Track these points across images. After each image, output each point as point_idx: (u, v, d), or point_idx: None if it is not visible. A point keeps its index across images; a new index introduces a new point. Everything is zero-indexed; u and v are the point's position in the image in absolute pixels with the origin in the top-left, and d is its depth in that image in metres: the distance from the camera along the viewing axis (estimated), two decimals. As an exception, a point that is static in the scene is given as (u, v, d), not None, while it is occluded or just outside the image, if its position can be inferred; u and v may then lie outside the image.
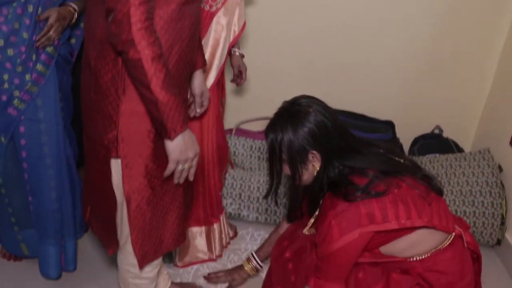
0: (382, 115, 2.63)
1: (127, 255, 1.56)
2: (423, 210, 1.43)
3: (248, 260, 1.98)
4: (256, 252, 1.96)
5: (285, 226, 1.87)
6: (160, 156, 1.40)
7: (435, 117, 2.71)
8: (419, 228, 1.45)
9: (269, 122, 1.54)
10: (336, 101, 2.61)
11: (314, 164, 1.49)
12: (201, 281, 2.09)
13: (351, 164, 1.47)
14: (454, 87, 2.62)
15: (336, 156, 1.46)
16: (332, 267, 1.46)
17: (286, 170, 1.55)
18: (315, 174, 1.50)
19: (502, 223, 2.27)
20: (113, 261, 2.10)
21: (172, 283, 1.98)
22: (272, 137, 1.50)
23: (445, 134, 2.69)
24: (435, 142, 2.62)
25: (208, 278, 2.03)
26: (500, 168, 2.34)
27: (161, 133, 1.31)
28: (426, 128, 2.71)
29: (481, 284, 1.69)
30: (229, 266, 2.14)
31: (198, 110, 1.69)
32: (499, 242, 2.32)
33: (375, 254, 1.52)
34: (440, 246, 1.50)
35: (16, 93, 1.67)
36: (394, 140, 2.54)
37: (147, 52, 1.19)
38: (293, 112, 1.48)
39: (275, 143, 1.50)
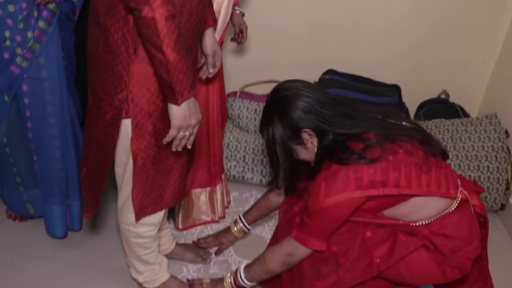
0: (388, 79, 2.60)
1: (127, 214, 1.57)
2: (417, 178, 1.43)
3: (235, 222, 1.99)
4: (243, 215, 1.97)
5: (276, 194, 1.87)
6: (168, 116, 1.39)
7: (442, 82, 2.68)
8: (416, 195, 1.46)
9: (260, 121, 1.57)
10: (343, 65, 2.60)
11: (312, 141, 1.50)
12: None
13: (344, 131, 1.46)
14: (463, 50, 2.57)
15: (328, 127, 1.46)
16: (317, 224, 1.48)
17: (298, 155, 1.56)
18: (315, 150, 1.51)
19: (507, 188, 2.27)
20: (117, 223, 2.11)
21: (176, 244, 2.00)
22: (265, 133, 1.53)
23: (451, 99, 2.66)
24: (442, 107, 2.59)
25: (197, 243, 2.04)
26: (506, 133, 2.32)
27: (167, 97, 1.28)
28: (432, 93, 2.68)
29: (487, 249, 1.70)
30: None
31: (211, 71, 1.66)
32: (503, 207, 2.32)
33: (378, 217, 1.53)
34: (446, 211, 1.50)
35: (18, 50, 1.64)
36: (400, 104, 2.51)
37: (161, 11, 1.15)
38: (275, 102, 1.50)
39: (268, 137, 1.52)
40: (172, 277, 1.82)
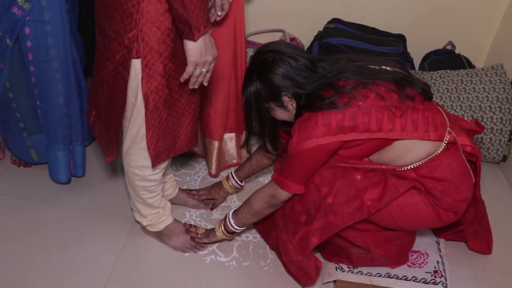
0: (394, 29, 2.56)
1: (133, 157, 1.57)
2: (388, 122, 1.43)
3: (227, 178, 2.00)
4: (235, 172, 1.99)
5: (262, 154, 1.89)
6: (179, 56, 1.38)
7: (448, 33, 2.64)
8: (394, 139, 1.46)
9: (243, 82, 1.60)
10: (348, 14, 2.55)
11: (292, 104, 1.53)
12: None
13: (314, 88, 1.49)
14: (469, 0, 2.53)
15: (301, 91, 1.49)
16: (292, 168, 1.52)
17: (278, 115, 1.60)
18: (294, 112, 1.54)
19: (510, 140, 2.27)
20: (121, 167, 2.13)
21: (180, 189, 2.02)
22: (245, 93, 1.57)
23: (457, 51, 2.62)
24: (447, 58, 2.56)
25: (189, 193, 2.05)
26: (512, 84, 2.31)
27: (183, 33, 1.28)
28: (438, 44, 2.65)
29: (480, 189, 1.70)
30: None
31: (219, 13, 1.64)
32: (504, 158, 2.33)
33: (364, 162, 1.54)
34: (434, 154, 1.49)
35: None
36: (405, 54, 2.48)
37: None
38: (256, 64, 1.54)
39: (247, 97, 1.56)
40: (175, 221, 1.85)
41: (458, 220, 1.63)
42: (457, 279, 1.76)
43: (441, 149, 1.49)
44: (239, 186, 1.99)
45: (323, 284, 1.72)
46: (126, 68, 1.37)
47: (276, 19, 2.65)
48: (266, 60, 1.50)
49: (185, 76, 1.36)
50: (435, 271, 1.73)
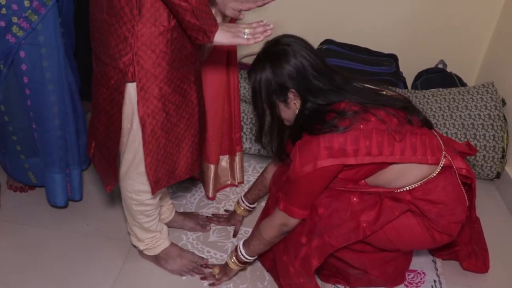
0: (386, 49, 2.59)
1: (130, 182, 1.58)
2: (390, 146, 1.44)
3: (238, 203, 2.01)
4: (244, 195, 2.00)
5: (270, 170, 1.88)
6: (175, 80, 1.40)
7: (439, 52, 2.68)
8: (393, 162, 1.47)
9: (252, 64, 1.55)
10: (340, 34, 2.59)
11: (295, 103, 1.50)
12: (204, 211, 2.13)
13: (323, 101, 1.47)
14: (460, 20, 2.57)
15: (312, 95, 1.47)
16: (296, 194, 1.52)
17: (280, 112, 1.56)
18: (296, 112, 1.52)
19: (503, 157, 2.29)
20: (118, 192, 2.13)
21: (176, 212, 2.02)
22: (253, 78, 1.51)
23: (449, 69, 2.66)
24: (439, 77, 2.59)
25: (209, 219, 2.07)
26: (503, 102, 2.33)
27: (197, 39, 1.33)
28: (430, 63, 2.69)
29: (476, 210, 1.73)
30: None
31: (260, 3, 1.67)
32: (498, 175, 2.34)
33: (360, 186, 1.55)
34: (429, 177, 1.51)
35: (15, 19, 1.63)
36: (397, 74, 2.51)
37: None
38: (272, 52, 1.48)
39: (256, 83, 1.50)
40: (172, 244, 1.84)
41: (454, 240, 1.64)
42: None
43: (437, 172, 1.51)
44: (251, 209, 2.00)
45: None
46: (121, 93, 1.38)
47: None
48: (284, 51, 1.45)
49: (250, 37, 1.38)
50: (432, 290, 1.74)
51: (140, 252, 1.86)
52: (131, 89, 1.38)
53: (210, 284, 1.77)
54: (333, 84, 1.48)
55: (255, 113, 1.60)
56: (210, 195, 2.19)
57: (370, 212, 1.51)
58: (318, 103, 1.47)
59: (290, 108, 1.52)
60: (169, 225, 1.96)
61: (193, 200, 2.20)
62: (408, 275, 1.80)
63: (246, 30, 1.39)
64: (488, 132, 2.26)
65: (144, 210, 1.67)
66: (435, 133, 1.58)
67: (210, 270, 1.81)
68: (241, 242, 1.70)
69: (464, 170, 1.56)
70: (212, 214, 2.11)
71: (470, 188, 1.62)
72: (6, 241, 1.93)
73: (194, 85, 1.46)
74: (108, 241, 1.95)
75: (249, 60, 2.66)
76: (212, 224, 2.05)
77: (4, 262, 1.83)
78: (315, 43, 2.57)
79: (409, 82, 2.68)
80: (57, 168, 1.93)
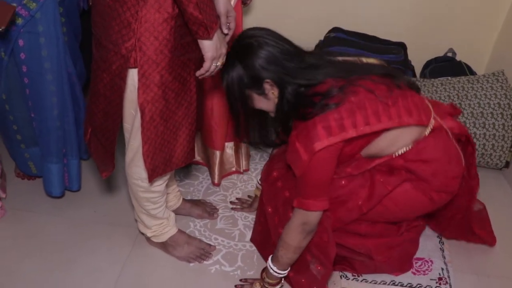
0: (394, 37, 2.57)
1: (136, 169, 1.58)
2: (384, 112, 1.43)
3: (257, 188, 2.02)
4: (260, 179, 1.98)
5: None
6: (176, 68, 1.39)
7: (448, 40, 2.65)
8: (389, 129, 1.46)
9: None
10: (348, 22, 2.56)
11: (273, 92, 1.49)
12: (211, 199, 2.14)
13: (305, 82, 1.46)
14: (470, 7, 2.54)
15: (290, 78, 1.46)
16: (309, 185, 1.48)
17: (257, 105, 1.56)
18: (276, 101, 1.51)
19: (512, 146, 2.27)
20: (124, 180, 2.14)
21: (184, 200, 2.02)
22: (225, 78, 1.51)
23: (458, 58, 2.63)
24: (448, 66, 2.57)
25: (233, 203, 2.11)
26: (513, 90, 2.31)
27: (197, 34, 1.31)
28: (439, 51, 2.66)
29: (476, 166, 1.73)
30: (255, 180, 2.27)
31: (225, 32, 1.65)
32: (507, 164, 2.33)
33: (357, 161, 1.54)
34: (420, 137, 1.51)
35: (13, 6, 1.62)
36: (406, 62, 2.49)
37: None
38: (239, 48, 1.48)
39: (228, 82, 1.50)
40: (180, 231, 1.85)
41: (455, 207, 1.66)
42: (462, 285, 1.75)
43: (427, 133, 1.51)
44: None
45: (328, 292, 1.72)
46: (123, 78, 1.38)
47: (276, 28, 2.65)
48: (250, 44, 1.45)
49: (202, 71, 1.38)
50: (440, 278, 1.73)
51: (148, 239, 1.86)
52: (134, 75, 1.38)
53: None
54: (307, 62, 1.48)
55: (231, 111, 1.60)
56: (216, 181, 2.19)
57: (362, 190, 1.52)
58: (299, 83, 1.46)
59: (270, 99, 1.52)
60: (177, 212, 1.96)
61: (201, 188, 2.20)
62: (416, 262, 1.79)
63: (219, 63, 1.40)
64: (498, 121, 2.24)
65: (150, 197, 1.67)
66: (423, 96, 1.59)
67: (247, 284, 1.73)
68: (269, 259, 1.63)
69: (455, 129, 1.56)
70: (236, 199, 2.13)
71: (466, 144, 1.65)
72: (14, 228, 1.94)
73: (194, 73, 1.45)
74: (115, 228, 1.96)
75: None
76: (219, 212, 2.05)
77: (12, 249, 1.84)
78: (323, 31, 2.57)
79: (417, 71, 2.65)
80: (55, 158, 1.92)
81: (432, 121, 1.52)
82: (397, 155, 1.51)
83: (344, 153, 1.49)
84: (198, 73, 1.40)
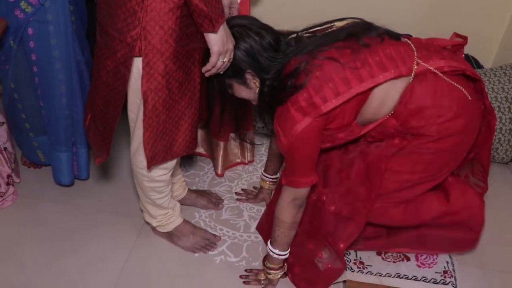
0: (400, 29, 2.55)
1: (141, 158, 1.58)
2: (354, 77, 1.41)
3: (262, 180, 2.04)
4: (264, 171, 2.03)
5: (274, 141, 1.89)
6: (180, 58, 1.39)
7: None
8: (371, 89, 1.44)
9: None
10: (354, 13, 2.54)
11: (255, 82, 1.51)
12: (217, 189, 2.14)
13: (275, 73, 1.47)
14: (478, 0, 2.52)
15: (265, 72, 1.48)
16: (294, 164, 1.51)
17: (239, 93, 1.57)
18: (257, 91, 1.53)
19: (519, 140, 2.26)
20: (127, 171, 2.14)
21: (189, 190, 2.02)
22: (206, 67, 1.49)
23: (465, 51, 2.61)
24: (455, 59, 2.55)
25: (238, 194, 2.12)
26: (521, 84, 2.30)
27: (202, 27, 1.31)
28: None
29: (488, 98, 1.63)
30: (259, 171, 2.25)
31: None
32: (513, 158, 2.32)
33: (353, 129, 1.54)
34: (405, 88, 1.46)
35: None
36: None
37: None
38: None
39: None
40: (185, 221, 1.85)
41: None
42: (466, 279, 1.75)
43: (410, 81, 1.45)
44: (275, 180, 2.03)
45: (333, 284, 1.72)
46: (127, 67, 1.38)
47: (281, 20, 2.62)
48: (233, 35, 1.44)
49: (208, 67, 1.39)
50: (445, 271, 1.73)
51: (153, 229, 1.87)
52: (139, 63, 1.37)
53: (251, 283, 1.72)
54: (279, 54, 1.48)
55: (207, 99, 1.62)
56: (219, 171, 2.19)
57: (362, 187, 1.58)
58: (272, 77, 1.47)
59: (251, 88, 1.53)
60: (182, 202, 1.97)
61: (206, 178, 2.20)
62: (421, 256, 1.79)
63: (226, 59, 1.40)
64: (505, 115, 2.23)
65: (155, 186, 1.67)
66: (408, 40, 1.53)
67: (253, 274, 1.74)
68: (269, 243, 1.65)
69: (445, 67, 1.47)
70: (242, 189, 2.14)
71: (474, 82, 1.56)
72: (21, 216, 1.95)
73: (198, 63, 1.45)
74: (121, 217, 1.96)
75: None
76: (224, 202, 2.06)
77: (19, 236, 1.85)
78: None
79: (424, 64, 2.64)
80: (64, 146, 1.93)
81: (415, 67, 1.45)
82: (389, 115, 1.49)
83: (336, 125, 1.49)
84: (204, 69, 1.41)
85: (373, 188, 1.57)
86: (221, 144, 2.15)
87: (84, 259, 1.77)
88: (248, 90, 1.54)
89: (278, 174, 2.02)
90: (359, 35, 1.47)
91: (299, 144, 1.44)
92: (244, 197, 2.10)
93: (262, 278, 1.70)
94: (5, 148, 2.01)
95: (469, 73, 1.52)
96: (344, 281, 1.70)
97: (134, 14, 1.30)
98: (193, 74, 1.46)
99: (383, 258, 1.76)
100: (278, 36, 1.51)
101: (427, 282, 1.69)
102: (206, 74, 1.43)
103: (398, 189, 1.59)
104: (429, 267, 1.74)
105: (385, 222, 1.71)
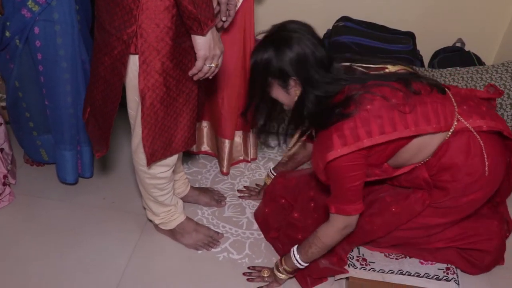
0: (403, 27, 2.56)
1: (141, 155, 1.58)
2: (401, 121, 1.42)
3: (268, 176, 2.03)
4: (274, 168, 2.03)
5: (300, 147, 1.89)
6: (177, 56, 1.39)
7: (457, 30, 2.63)
8: (412, 137, 1.46)
9: (255, 46, 1.53)
10: (357, 11, 2.55)
11: (296, 90, 1.49)
12: (219, 187, 2.14)
13: (321, 93, 1.46)
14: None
15: (310, 85, 1.46)
16: (338, 191, 1.49)
17: (276, 94, 1.55)
18: (295, 99, 1.51)
19: (521, 136, 2.26)
20: (130, 169, 2.14)
21: (191, 187, 2.03)
22: (254, 58, 1.50)
23: (467, 48, 2.62)
24: (457, 56, 2.55)
25: (240, 191, 2.12)
26: (523, 81, 2.30)
27: (191, 29, 1.31)
28: (447, 41, 2.64)
29: None
30: (262, 169, 2.28)
31: (224, 19, 1.64)
32: (515, 155, 2.32)
33: (385, 170, 1.55)
34: (442, 143, 1.50)
35: None
36: (414, 52, 2.48)
37: None
38: (277, 37, 1.47)
39: (256, 62, 1.49)
40: (188, 218, 1.86)
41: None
42: (469, 276, 1.76)
43: (447, 137, 1.48)
44: None
45: (335, 280, 1.73)
46: (124, 64, 1.38)
47: (285, 17, 2.64)
48: (290, 37, 1.43)
49: (194, 71, 1.39)
50: (447, 268, 1.73)
51: (156, 226, 1.87)
52: (136, 61, 1.38)
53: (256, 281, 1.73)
54: (329, 76, 1.47)
55: (249, 91, 1.60)
56: (225, 170, 2.19)
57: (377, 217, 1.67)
58: (316, 94, 1.46)
59: (290, 95, 1.52)
60: (185, 200, 1.97)
61: (208, 176, 2.21)
62: (423, 252, 1.80)
63: (214, 65, 1.39)
64: (507, 111, 2.23)
65: (157, 183, 1.68)
66: (450, 94, 1.54)
67: (256, 271, 1.75)
68: (295, 250, 1.63)
69: (484, 127, 1.50)
70: (244, 187, 2.14)
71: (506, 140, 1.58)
72: (24, 214, 1.95)
73: (195, 60, 1.44)
74: (124, 215, 1.97)
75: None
76: (227, 200, 2.06)
77: (22, 235, 1.86)
78: (332, 19, 2.56)
79: (426, 61, 2.64)
80: (68, 145, 1.94)
81: (455, 124, 1.48)
82: (421, 163, 1.53)
83: (370, 162, 1.50)
84: (190, 73, 1.40)
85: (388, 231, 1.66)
86: (227, 142, 2.15)
87: (87, 257, 1.78)
88: (286, 95, 1.53)
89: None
90: (410, 81, 1.50)
91: (342, 171, 1.44)
92: (246, 194, 2.10)
93: (266, 275, 1.71)
94: (2, 149, 2.01)
95: (506, 134, 1.55)
96: (347, 278, 1.70)
97: (130, 12, 1.30)
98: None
99: (385, 255, 1.76)
100: (332, 58, 1.50)
101: (429, 278, 1.69)
102: (194, 78, 1.42)
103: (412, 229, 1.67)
104: (431, 264, 1.75)
105: (393, 243, 1.75)
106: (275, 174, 2.00)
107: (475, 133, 1.49)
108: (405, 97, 1.45)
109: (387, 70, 1.57)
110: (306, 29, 1.48)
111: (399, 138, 1.44)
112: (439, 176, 1.54)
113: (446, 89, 1.56)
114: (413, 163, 1.54)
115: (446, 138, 1.49)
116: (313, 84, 1.46)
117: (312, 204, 1.81)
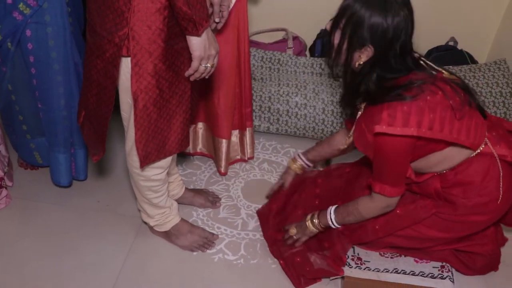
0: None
1: (135, 158, 1.57)
2: (449, 123, 1.41)
3: (294, 160, 1.96)
4: (303, 153, 1.95)
5: (337, 137, 1.86)
6: (169, 57, 1.39)
7: (450, 29, 2.64)
8: (450, 144, 1.46)
9: None
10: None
11: (361, 56, 1.42)
12: (214, 188, 2.14)
13: (388, 75, 1.43)
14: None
15: (379, 66, 1.41)
16: (383, 171, 1.50)
17: (341, 54, 1.46)
18: (356, 65, 1.44)
19: (514, 134, 2.27)
20: (124, 172, 2.14)
21: (186, 189, 2.03)
22: (349, 2, 1.40)
23: (459, 46, 2.63)
24: (449, 54, 2.56)
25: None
26: (515, 79, 2.31)
27: (186, 30, 1.31)
28: (440, 40, 2.65)
29: None
30: (257, 170, 2.27)
31: (217, 20, 1.64)
32: (509, 153, 2.33)
33: (409, 174, 1.55)
34: (465, 159, 1.51)
35: None
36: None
37: None
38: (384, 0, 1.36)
39: (347, 8, 1.40)
40: (183, 220, 1.85)
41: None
42: (464, 274, 1.76)
43: (471, 155, 1.51)
44: (307, 166, 1.96)
45: (330, 280, 1.73)
46: (116, 66, 1.38)
47: (278, 18, 2.66)
48: (391, 4, 1.35)
49: (190, 71, 1.39)
50: (442, 266, 1.74)
51: (151, 228, 1.87)
52: (128, 63, 1.37)
53: (289, 244, 1.77)
54: (403, 65, 1.43)
55: (328, 37, 1.49)
56: (223, 170, 2.19)
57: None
58: (383, 76, 1.43)
59: (353, 59, 1.44)
60: (179, 201, 1.97)
61: (203, 177, 2.20)
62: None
63: (209, 65, 1.39)
64: (499, 109, 2.24)
65: (151, 185, 1.68)
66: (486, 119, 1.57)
67: (289, 235, 1.78)
68: (332, 210, 1.68)
69: (508, 157, 1.51)
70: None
71: None
72: (19, 217, 1.95)
73: (188, 62, 1.44)
74: (119, 217, 1.96)
75: (258, 38, 2.65)
76: (222, 201, 2.06)
77: (17, 238, 1.85)
78: (326, 19, 2.55)
79: (419, 60, 2.65)
80: (62, 148, 1.93)
81: (482, 146, 1.50)
82: (438, 173, 1.54)
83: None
84: (186, 73, 1.41)
85: (388, 232, 1.67)
86: (224, 141, 2.15)
87: (82, 260, 1.77)
88: (345, 56, 1.44)
89: (313, 164, 1.97)
90: (471, 94, 1.50)
91: (392, 151, 1.43)
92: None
93: (294, 234, 1.75)
94: (-2, 152, 2.01)
95: None
96: (343, 277, 1.71)
97: (122, 15, 1.30)
98: (183, 73, 1.46)
99: (380, 254, 1.77)
100: (411, 45, 1.44)
101: (424, 277, 1.70)
102: (191, 79, 1.42)
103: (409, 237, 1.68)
104: (426, 262, 1.75)
105: (387, 246, 1.77)
106: (302, 158, 1.93)
107: (498, 159, 1.51)
108: (461, 103, 1.43)
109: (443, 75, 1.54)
110: (408, 9, 1.40)
111: (442, 140, 1.43)
112: (451, 190, 1.54)
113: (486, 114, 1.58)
114: (433, 171, 1.54)
115: (470, 156, 1.50)
116: (383, 66, 1.41)
117: (317, 202, 1.82)
